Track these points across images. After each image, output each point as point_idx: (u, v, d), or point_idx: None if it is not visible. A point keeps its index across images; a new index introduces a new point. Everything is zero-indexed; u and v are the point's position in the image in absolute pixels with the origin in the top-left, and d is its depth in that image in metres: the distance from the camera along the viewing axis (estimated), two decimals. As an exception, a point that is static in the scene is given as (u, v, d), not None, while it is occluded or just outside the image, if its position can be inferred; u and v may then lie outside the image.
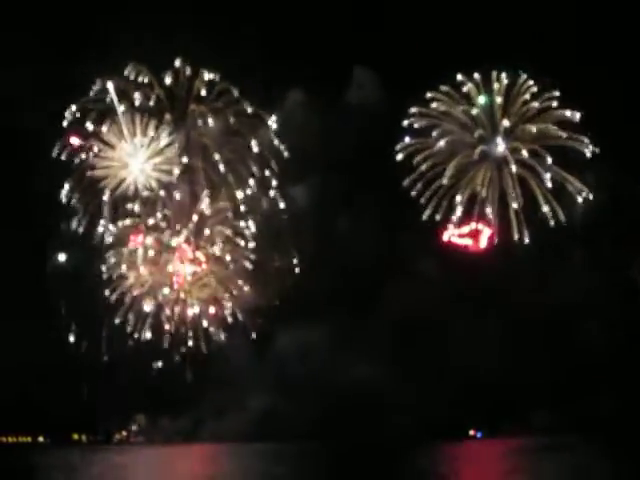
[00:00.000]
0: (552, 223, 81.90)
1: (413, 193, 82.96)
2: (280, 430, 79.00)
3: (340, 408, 78.49)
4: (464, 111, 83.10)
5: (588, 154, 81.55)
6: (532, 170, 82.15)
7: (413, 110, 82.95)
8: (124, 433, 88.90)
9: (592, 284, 79.44)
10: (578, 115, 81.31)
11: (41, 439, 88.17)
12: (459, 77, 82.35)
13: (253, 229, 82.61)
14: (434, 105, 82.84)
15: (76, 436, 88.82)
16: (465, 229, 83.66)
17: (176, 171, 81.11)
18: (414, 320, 79.79)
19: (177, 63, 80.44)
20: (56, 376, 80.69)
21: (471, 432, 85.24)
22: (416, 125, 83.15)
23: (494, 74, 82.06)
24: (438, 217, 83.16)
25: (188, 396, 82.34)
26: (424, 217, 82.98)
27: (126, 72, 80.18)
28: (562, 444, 70.07)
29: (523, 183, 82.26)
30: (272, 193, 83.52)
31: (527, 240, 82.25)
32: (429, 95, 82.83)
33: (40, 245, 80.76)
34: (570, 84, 78.05)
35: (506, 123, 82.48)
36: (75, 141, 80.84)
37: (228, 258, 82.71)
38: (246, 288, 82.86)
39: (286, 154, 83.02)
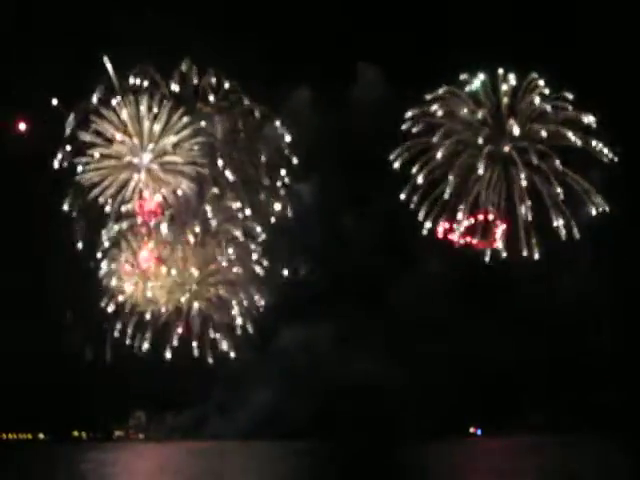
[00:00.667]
0: (564, 237, 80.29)
1: (412, 206, 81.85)
2: (282, 428, 79.19)
3: (342, 405, 78.52)
4: (470, 110, 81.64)
5: (604, 160, 79.71)
6: (542, 177, 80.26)
7: (411, 114, 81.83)
8: (124, 430, 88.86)
9: (598, 284, 78.53)
10: (593, 119, 79.58)
11: (41, 436, 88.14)
12: (463, 77, 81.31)
13: (259, 229, 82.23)
14: (435, 107, 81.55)
15: (76, 433, 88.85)
16: (466, 222, 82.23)
17: (186, 171, 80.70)
18: (417, 318, 79.48)
19: (184, 64, 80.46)
20: (56, 374, 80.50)
21: (471, 429, 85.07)
22: (415, 129, 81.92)
23: (501, 73, 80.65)
24: (440, 231, 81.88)
25: (190, 393, 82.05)
26: (424, 231, 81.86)
27: (133, 74, 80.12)
28: (563, 442, 70.14)
29: (533, 192, 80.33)
30: (279, 191, 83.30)
31: (537, 256, 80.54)
32: (429, 97, 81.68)
33: (42, 248, 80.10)
34: (584, 87, 76.72)
35: (514, 124, 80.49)
36: (22, 127, 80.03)
37: (234, 257, 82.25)
38: (252, 286, 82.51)
39: (292, 152, 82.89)
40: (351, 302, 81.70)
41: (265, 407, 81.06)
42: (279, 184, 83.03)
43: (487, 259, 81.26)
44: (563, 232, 79.99)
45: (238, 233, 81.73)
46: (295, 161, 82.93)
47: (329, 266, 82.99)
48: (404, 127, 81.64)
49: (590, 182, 79.89)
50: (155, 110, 79.52)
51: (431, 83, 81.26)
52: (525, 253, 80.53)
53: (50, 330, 79.85)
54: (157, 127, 79.72)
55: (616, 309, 78.62)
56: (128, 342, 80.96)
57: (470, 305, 79.85)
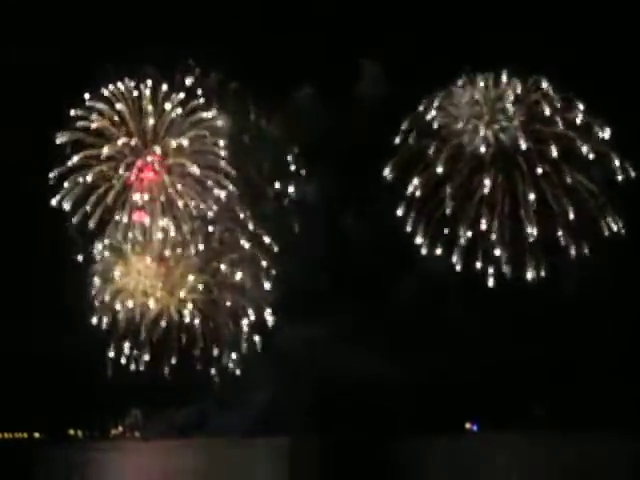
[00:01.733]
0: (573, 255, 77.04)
1: (408, 228, 79.34)
2: (281, 425, 79.44)
3: (340, 402, 78.73)
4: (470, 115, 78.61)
5: (618, 173, 75.92)
6: (550, 191, 76.77)
7: (405, 125, 79.03)
8: (120, 429, 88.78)
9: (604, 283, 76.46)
10: (606, 129, 75.75)
11: (37, 435, 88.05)
12: (463, 80, 78.64)
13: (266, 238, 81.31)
14: (432, 114, 78.69)
15: (72, 432, 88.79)
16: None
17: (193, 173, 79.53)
18: (416, 316, 79.47)
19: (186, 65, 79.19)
20: (53, 372, 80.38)
21: (467, 425, 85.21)
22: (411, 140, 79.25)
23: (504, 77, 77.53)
24: (438, 252, 79.28)
25: (188, 392, 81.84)
26: (423, 252, 79.62)
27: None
28: (559, 439, 70.36)
29: (540, 206, 76.65)
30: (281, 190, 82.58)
31: (543, 273, 77.70)
32: (425, 104, 78.97)
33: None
34: (596, 94, 73.23)
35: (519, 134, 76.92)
36: None
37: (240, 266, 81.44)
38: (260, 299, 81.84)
39: (295, 152, 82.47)
40: (350, 301, 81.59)
41: (264, 404, 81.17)
42: (282, 188, 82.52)
43: (490, 283, 78.80)
44: (572, 251, 76.97)
45: (244, 241, 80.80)
46: (298, 161, 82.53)
47: (329, 265, 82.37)
48: (398, 139, 79.16)
49: (604, 198, 76.32)
50: (159, 110, 78.34)
51: (435, 81, 78.95)
52: (530, 272, 77.78)
53: (47, 331, 79.42)
54: (161, 128, 78.69)
55: (620, 304, 77.12)
56: (124, 361, 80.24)
57: (470, 301, 79.25)
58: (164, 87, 78.32)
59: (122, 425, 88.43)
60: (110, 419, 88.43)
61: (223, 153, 79.48)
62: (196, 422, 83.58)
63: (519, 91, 76.85)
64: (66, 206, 77.85)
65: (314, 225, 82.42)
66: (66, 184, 77.87)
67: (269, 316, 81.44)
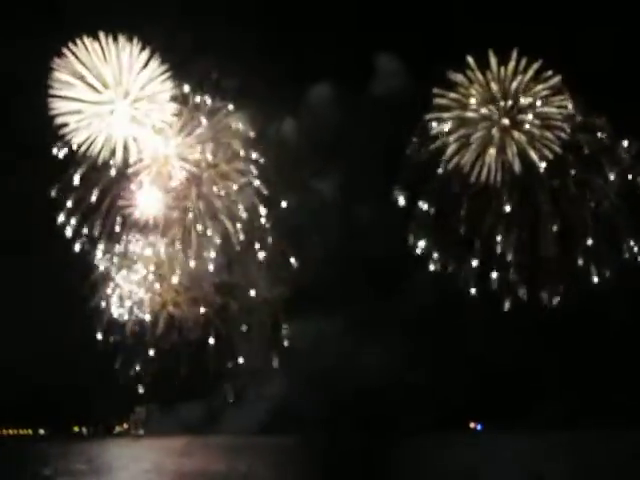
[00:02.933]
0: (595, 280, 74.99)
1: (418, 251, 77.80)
2: (289, 423, 79.88)
3: (348, 402, 78.97)
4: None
5: None
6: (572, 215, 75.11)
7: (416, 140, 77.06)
8: (125, 425, 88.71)
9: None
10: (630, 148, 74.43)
11: (42, 431, 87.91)
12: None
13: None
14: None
15: (76, 428, 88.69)
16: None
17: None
18: (423, 315, 79.52)
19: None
20: (57, 368, 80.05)
21: (472, 425, 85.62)
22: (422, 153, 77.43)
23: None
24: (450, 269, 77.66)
25: (195, 388, 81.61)
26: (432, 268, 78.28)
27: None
28: (564, 439, 70.92)
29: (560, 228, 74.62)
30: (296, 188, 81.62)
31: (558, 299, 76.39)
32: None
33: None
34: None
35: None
36: None
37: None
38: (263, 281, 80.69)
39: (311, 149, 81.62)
40: (362, 298, 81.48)
41: (274, 402, 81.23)
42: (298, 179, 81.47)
43: (506, 306, 78.00)
44: (594, 276, 75.18)
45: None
46: (313, 156, 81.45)
47: (342, 261, 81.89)
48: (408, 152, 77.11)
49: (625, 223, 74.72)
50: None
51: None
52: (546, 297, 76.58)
53: (52, 327, 78.99)
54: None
55: (623, 305, 75.86)
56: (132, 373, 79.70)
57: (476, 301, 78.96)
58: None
59: (127, 422, 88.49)
60: (114, 416, 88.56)
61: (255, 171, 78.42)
62: (204, 420, 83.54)
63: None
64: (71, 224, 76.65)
65: (328, 222, 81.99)
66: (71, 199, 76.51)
67: (283, 319, 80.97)
